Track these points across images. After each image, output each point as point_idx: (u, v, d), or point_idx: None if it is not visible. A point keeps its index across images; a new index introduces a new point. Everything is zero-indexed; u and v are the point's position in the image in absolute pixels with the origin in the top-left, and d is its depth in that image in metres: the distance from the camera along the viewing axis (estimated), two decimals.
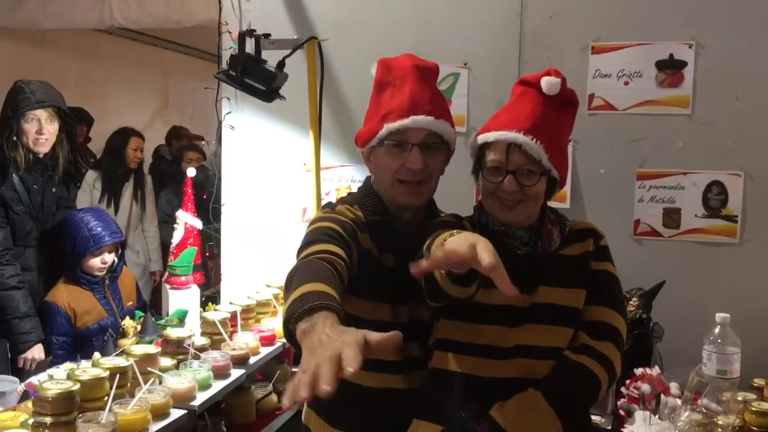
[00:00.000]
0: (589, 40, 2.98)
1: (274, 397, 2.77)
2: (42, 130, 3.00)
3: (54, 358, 2.95)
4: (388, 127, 1.70)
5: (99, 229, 3.05)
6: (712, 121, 2.89)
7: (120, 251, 3.16)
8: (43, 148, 3.04)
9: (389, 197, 1.77)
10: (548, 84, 1.67)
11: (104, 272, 3.09)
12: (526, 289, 1.64)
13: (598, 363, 1.60)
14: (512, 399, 1.56)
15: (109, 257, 3.09)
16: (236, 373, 2.34)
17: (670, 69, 2.91)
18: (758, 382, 2.27)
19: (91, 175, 4.85)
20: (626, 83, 2.95)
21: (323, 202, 2.95)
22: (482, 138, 1.68)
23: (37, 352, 2.95)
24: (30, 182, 3.04)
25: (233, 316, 2.60)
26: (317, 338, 1.13)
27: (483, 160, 1.69)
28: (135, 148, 5.00)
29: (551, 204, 1.82)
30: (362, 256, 1.68)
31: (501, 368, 1.61)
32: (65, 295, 3.03)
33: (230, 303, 2.77)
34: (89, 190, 4.78)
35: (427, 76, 1.77)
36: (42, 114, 3.00)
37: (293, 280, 1.37)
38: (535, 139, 1.61)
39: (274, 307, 2.86)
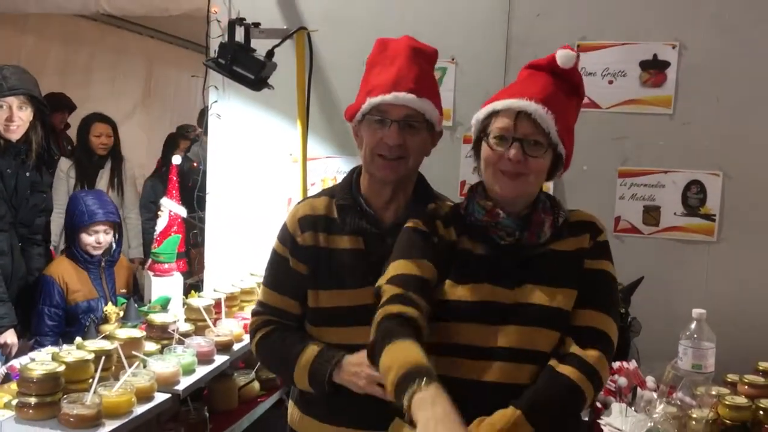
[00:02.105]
0: (576, 39, 3.01)
1: (256, 385, 2.78)
2: (12, 117, 2.97)
3: (45, 329, 3.00)
4: (370, 101, 1.72)
5: (95, 206, 3.12)
6: (693, 121, 2.94)
7: (118, 237, 3.22)
8: (14, 135, 3.01)
9: (368, 171, 1.79)
10: (564, 56, 1.59)
11: (99, 252, 3.13)
12: (510, 284, 1.57)
13: (584, 376, 1.50)
14: (492, 417, 1.47)
15: (104, 238, 3.13)
16: (220, 359, 2.36)
17: (654, 69, 2.96)
18: (732, 377, 2.32)
19: (65, 164, 4.75)
20: (611, 82, 3.00)
21: (309, 193, 2.99)
22: (490, 107, 1.60)
23: (9, 337, 2.93)
24: (3, 167, 3.02)
25: (217, 303, 2.61)
26: None
27: (487, 130, 1.59)
28: (98, 134, 4.80)
29: None
30: (315, 255, 1.76)
31: (480, 370, 1.54)
32: (61, 269, 3.11)
33: (214, 290, 2.78)
34: (65, 178, 4.69)
35: (419, 56, 1.77)
36: (13, 101, 2.96)
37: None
38: (546, 109, 1.53)
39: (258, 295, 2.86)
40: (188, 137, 5.78)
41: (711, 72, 2.92)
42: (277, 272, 1.83)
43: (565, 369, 1.51)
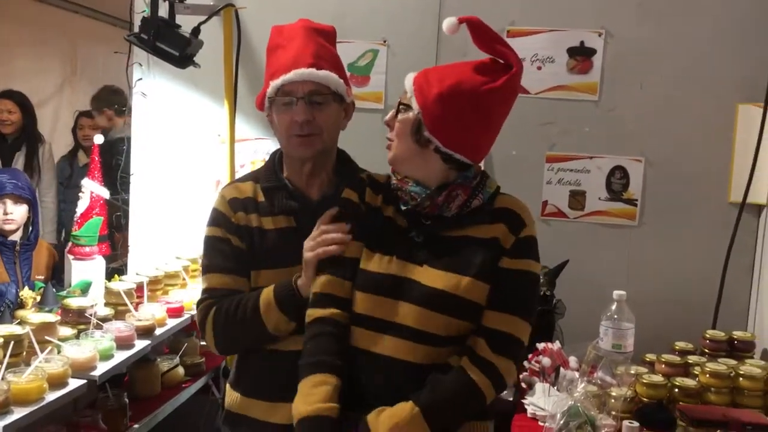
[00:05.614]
0: (506, 24, 3.03)
1: (180, 370, 2.72)
2: None
3: None
4: (273, 84, 1.72)
5: (4, 179, 3.05)
6: (617, 108, 3.01)
7: (33, 218, 3.12)
8: None
9: (286, 152, 1.82)
10: (447, 24, 1.64)
11: (12, 227, 3.04)
12: (419, 261, 1.57)
13: (490, 382, 1.53)
14: (392, 409, 1.51)
15: (15, 211, 3.04)
16: (141, 344, 2.30)
17: (581, 56, 3.01)
18: (650, 356, 2.40)
19: None
20: (539, 68, 3.03)
21: (237, 175, 2.93)
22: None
23: None
24: None
25: (139, 287, 2.54)
26: None
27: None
28: None
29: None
30: (249, 234, 1.75)
31: (375, 342, 1.56)
32: None
33: (137, 274, 2.70)
34: None
35: (316, 34, 1.78)
36: None
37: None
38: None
39: (183, 279, 2.80)
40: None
41: (635, 60, 2.98)
42: (220, 254, 1.77)
43: (475, 373, 1.52)
